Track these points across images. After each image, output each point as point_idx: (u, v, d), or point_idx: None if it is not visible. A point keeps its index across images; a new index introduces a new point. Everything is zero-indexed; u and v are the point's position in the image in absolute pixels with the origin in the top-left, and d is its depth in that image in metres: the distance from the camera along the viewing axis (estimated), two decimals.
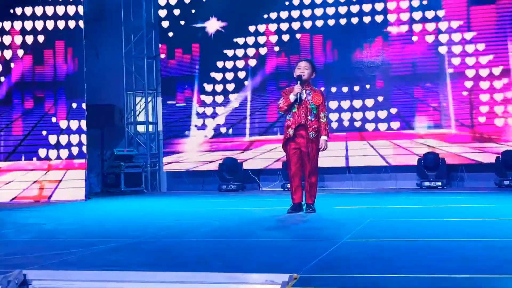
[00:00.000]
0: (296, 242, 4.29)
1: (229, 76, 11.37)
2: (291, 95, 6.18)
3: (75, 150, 9.64)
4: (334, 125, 10.67)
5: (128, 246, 4.25)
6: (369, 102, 10.67)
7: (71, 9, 9.87)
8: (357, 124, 10.68)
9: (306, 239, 4.45)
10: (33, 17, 9.91)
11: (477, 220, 5.36)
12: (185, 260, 3.63)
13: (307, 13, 11.00)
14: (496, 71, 10.11)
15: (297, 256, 3.59)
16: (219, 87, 11.41)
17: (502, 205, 6.74)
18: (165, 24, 11.68)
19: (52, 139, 9.67)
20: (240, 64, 11.32)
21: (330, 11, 10.91)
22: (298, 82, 6.16)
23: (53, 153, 9.63)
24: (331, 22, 10.90)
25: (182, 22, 11.57)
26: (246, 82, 11.28)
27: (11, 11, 9.86)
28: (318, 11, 10.96)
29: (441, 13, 10.43)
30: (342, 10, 10.86)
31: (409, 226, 5.06)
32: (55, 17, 9.90)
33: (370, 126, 10.64)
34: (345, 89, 10.78)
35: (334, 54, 10.87)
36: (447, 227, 4.89)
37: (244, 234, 4.85)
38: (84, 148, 9.65)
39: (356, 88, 10.72)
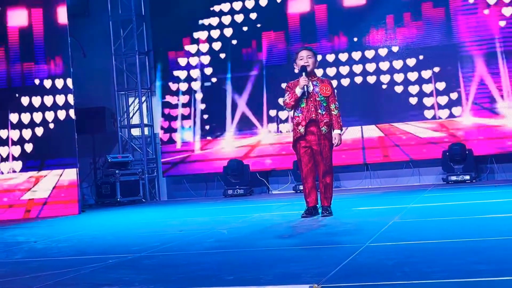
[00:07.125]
0: (314, 250, 4.29)
1: None
2: (297, 89, 6.16)
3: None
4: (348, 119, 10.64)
5: (129, 262, 4.27)
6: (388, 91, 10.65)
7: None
8: (373, 115, 10.65)
9: (324, 245, 4.46)
10: None
11: None
12: (193, 275, 3.64)
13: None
14: None
15: (317, 265, 3.59)
16: None
17: None
18: None
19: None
20: None
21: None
22: (303, 73, 6.16)
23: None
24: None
25: None
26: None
27: None
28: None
29: None
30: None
31: (438, 226, 5.05)
32: None
33: (388, 116, 10.59)
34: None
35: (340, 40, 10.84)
36: (480, 225, 4.88)
37: (255, 243, 4.86)
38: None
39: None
